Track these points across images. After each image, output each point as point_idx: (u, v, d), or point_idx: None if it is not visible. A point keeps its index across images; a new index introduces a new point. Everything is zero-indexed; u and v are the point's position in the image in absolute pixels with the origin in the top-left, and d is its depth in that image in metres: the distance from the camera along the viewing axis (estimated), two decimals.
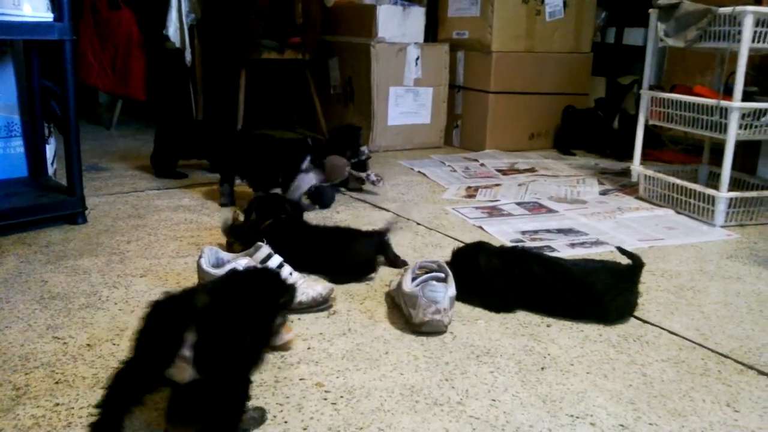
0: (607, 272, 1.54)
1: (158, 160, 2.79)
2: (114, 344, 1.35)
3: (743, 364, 1.35)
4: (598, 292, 1.49)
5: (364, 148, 2.66)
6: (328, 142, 2.66)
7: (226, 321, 0.98)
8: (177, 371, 0.95)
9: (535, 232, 2.21)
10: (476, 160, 3.34)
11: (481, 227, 2.23)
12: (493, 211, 2.45)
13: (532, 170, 3.18)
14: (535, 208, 2.52)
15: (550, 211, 2.48)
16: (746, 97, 2.31)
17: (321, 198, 2.42)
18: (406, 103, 3.57)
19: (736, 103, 2.23)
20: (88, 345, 1.35)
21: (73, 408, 1.13)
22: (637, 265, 1.54)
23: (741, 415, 1.16)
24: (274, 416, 1.12)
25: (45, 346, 1.34)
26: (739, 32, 2.20)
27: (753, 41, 2.21)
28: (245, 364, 1.02)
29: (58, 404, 1.14)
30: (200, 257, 1.56)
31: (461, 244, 1.73)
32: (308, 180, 2.31)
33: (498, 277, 1.54)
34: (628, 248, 2.00)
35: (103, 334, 1.40)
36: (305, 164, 2.29)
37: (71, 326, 1.43)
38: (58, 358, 1.29)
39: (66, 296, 1.58)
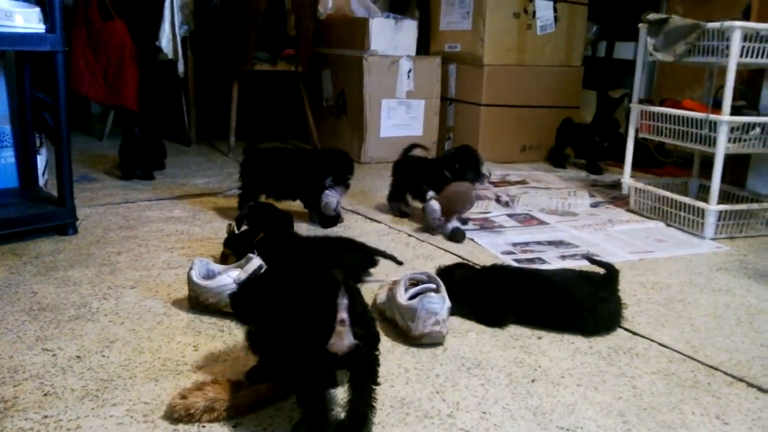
0: (584, 281, 1.55)
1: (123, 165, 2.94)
2: (103, 356, 1.35)
3: (733, 377, 1.35)
4: (578, 301, 1.50)
5: (485, 169, 2.44)
6: (441, 163, 2.45)
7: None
8: (337, 339, 1.00)
9: (526, 244, 2.21)
10: None
11: (472, 239, 2.24)
12: (485, 223, 2.46)
13: (523, 182, 3.19)
14: (527, 220, 2.53)
15: (541, 223, 2.49)
16: (735, 111, 2.34)
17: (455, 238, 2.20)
18: (398, 116, 3.58)
19: (725, 117, 2.25)
20: (78, 357, 1.34)
21: (61, 420, 1.12)
22: (611, 273, 1.55)
23: (730, 428, 1.16)
24: (264, 429, 1.11)
25: (34, 357, 1.33)
26: (728, 47, 2.23)
27: (741, 56, 2.23)
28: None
29: (46, 416, 1.13)
30: (190, 269, 1.56)
31: (456, 260, 1.75)
32: (334, 195, 2.26)
33: (473, 290, 1.55)
34: (619, 261, 2.03)
35: (93, 345, 1.39)
36: (328, 182, 2.25)
37: (61, 338, 1.42)
38: (47, 369, 1.29)
39: (56, 307, 1.57)
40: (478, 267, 1.68)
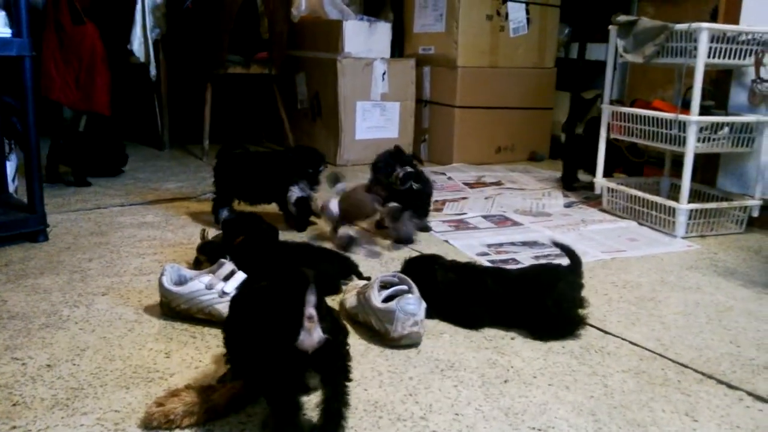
0: (548, 271, 1.58)
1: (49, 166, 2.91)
2: (74, 364, 1.33)
3: (702, 374, 1.37)
4: (542, 287, 1.52)
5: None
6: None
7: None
8: (306, 335, 1.00)
9: (500, 245, 2.23)
10: (444, 174, 3.37)
11: (447, 241, 2.24)
12: (460, 225, 2.47)
13: (498, 183, 3.21)
14: (501, 221, 2.54)
15: (515, 224, 2.51)
16: (703, 111, 2.37)
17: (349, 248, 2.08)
18: (373, 118, 3.58)
19: (694, 117, 2.29)
20: (48, 365, 1.32)
21: (30, 430, 1.11)
22: (575, 261, 1.57)
23: (699, 425, 1.18)
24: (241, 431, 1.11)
25: (3, 367, 1.31)
26: (695, 48, 2.26)
27: (708, 56, 2.27)
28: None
29: (14, 427, 1.11)
30: (162, 275, 1.54)
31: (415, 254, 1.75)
32: (297, 191, 2.27)
33: (456, 292, 1.56)
34: (591, 260, 2.06)
35: (63, 354, 1.37)
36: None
37: (30, 346, 1.40)
38: (16, 379, 1.27)
39: (25, 316, 1.55)
40: (449, 261, 1.68)
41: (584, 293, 1.55)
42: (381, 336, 1.46)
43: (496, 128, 3.75)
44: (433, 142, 3.78)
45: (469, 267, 1.66)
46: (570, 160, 3.15)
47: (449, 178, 3.28)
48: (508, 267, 1.78)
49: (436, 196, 2.90)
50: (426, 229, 2.33)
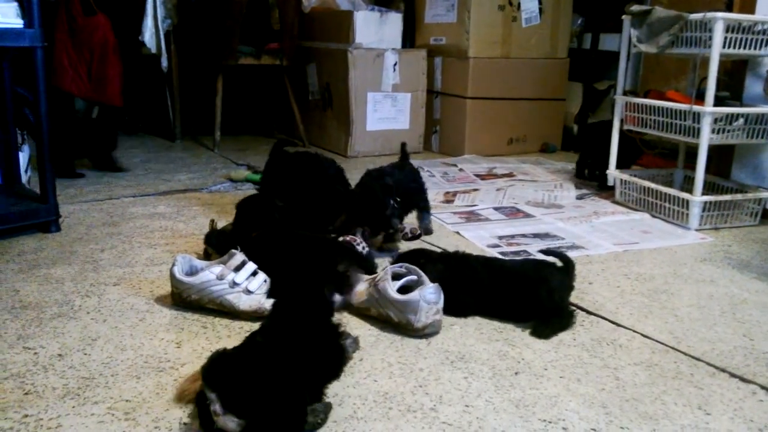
0: (543, 266, 1.58)
1: (56, 159, 2.77)
2: (85, 354, 1.34)
3: (715, 367, 1.36)
4: (535, 279, 1.52)
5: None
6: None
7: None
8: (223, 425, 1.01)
9: (512, 236, 2.21)
10: (455, 165, 3.35)
11: (458, 232, 2.24)
12: (471, 216, 2.46)
13: (510, 175, 3.20)
14: (513, 212, 2.53)
15: (527, 215, 2.49)
16: (718, 101, 2.35)
17: None
18: (384, 109, 3.57)
19: (708, 108, 2.26)
20: (60, 355, 1.33)
21: (42, 419, 1.11)
22: (568, 263, 1.57)
23: (712, 418, 1.17)
24: None
25: (15, 356, 1.32)
26: (710, 38, 2.23)
27: (724, 47, 2.24)
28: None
29: (26, 416, 1.12)
30: (173, 265, 1.55)
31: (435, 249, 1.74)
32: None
33: (443, 282, 1.55)
34: (604, 252, 2.05)
35: (75, 343, 1.38)
36: None
37: (42, 336, 1.41)
38: (28, 368, 1.28)
39: (38, 306, 1.56)
40: (437, 253, 1.69)
41: (597, 285, 1.54)
42: (401, 327, 1.46)
43: (507, 119, 3.73)
44: (445, 134, 3.76)
45: (458, 257, 1.67)
46: (586, 151, 3.16)
47: (461, 170, 3.27)
48: (503, 258, 1.79)
49: (447, 187, 2.90)
50: (429, 231, 2.13)
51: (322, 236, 1.88)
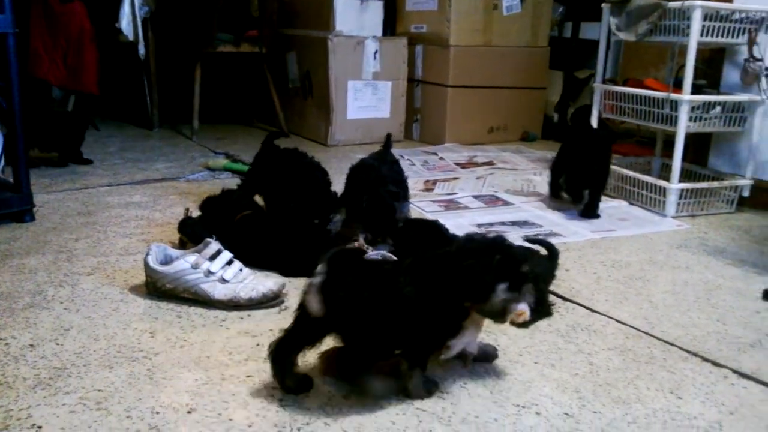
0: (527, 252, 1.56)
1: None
2: (57, 344, 1.32)
3: (688, 352, 1.37)
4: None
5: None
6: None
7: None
8: (308, 300, 1.09)
9: (491, 224, 2.22)
10: (435, 154, 3.35)
11: (437, 220, 2.23)
12: (450, 205, 2.46)
13: (490, 163, 3.20)
14: (492, 200, 2.53)
15: (506, 203, 2.50)
16: (695, 90, 2.36)
17: None
18: (365, 97, 3.55)
19: (686, 96, 2.27)
20: (31, 345, 1.31)
21: (11, 410, 1.10)
22: (553, 252, 1.56)
23: (684, 402, 1.18)
24: (219, 414, 1.10)
25: None
26: (689, 26, 2.24)
27: (701, 35, 2.25)
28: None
29: None
30: (147, 255, 1.53)
31: None
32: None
33: None
34: (581, 239, 2.05)
35: (47, 334, 1.36)
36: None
37: (14, 326, 1.39)
38: None
39: (10, 296, 1.54)
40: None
41: (574, 272, 1.55)
42: None
43: (488, 108, 3.73)
44: (425, 122, 3.75)
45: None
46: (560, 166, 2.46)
47: (441, 158, 3.26)
48: None
49: (427, 176, 2.89)
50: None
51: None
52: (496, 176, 2.93)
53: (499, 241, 1.12)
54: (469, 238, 1.15)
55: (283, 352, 1.14)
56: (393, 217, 1.85)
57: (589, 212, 2.31)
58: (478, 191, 2.66)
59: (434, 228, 1.69)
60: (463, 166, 3.13)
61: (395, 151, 3.32)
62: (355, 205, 1.88)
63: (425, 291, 1.08)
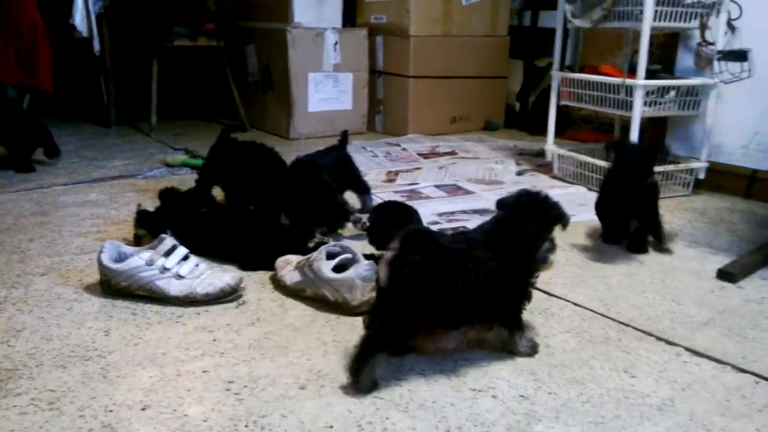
0: None
1: None
2: (9, 345, 1.29)
3: (642, 332, 1.39)
4: None
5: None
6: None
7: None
8: (379, 269, 1.15)
9: (452, 213, 2.23)
10: (398, 145, 3.35)
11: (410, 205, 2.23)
12: (412, 195, 2.46)
13: (452, 153, 3.21)
14: (453, 190, 2.54)
15: (467, 192, 2.51)
16: (650, 75, 2.39)
17: None
18: (326, 89, 3.54)
19: (640, 81, 2.30)
20: None
21: None
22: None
23: (637, 381, 1.20)
24: (174, 409, 1.09)
25: None
26: (641, 11, 2.27)
27: (655, 20, 2.28)
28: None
29: None
30: (101, 252, 1.51)
31: None
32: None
33: None
34: None
35: None
36: None
37: None
38: None
39: None
40: None
41: None
42: (338, 306, 1.45)
43: (450, 98, 3.74)
44: (388, 113, 3.75)
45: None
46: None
47: (404, 149, 3.26)
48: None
49: (389, 167, 2.89)
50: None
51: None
52: (458, 165, 2.94)
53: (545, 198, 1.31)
54: (520, 197, 1.30)
55: (369, 351, 1.14)
56: (334, 206, 1.87)
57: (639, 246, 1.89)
58: (439, 181, 2.67)
59: (406, 210, 1.68)
60: (425, 156, 3.14)
61: (358, 143, 3.35)
62: (298, 204, 1.87)
63: (507, 261, 1.19)
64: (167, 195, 1.84)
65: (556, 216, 1.31)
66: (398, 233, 1.13)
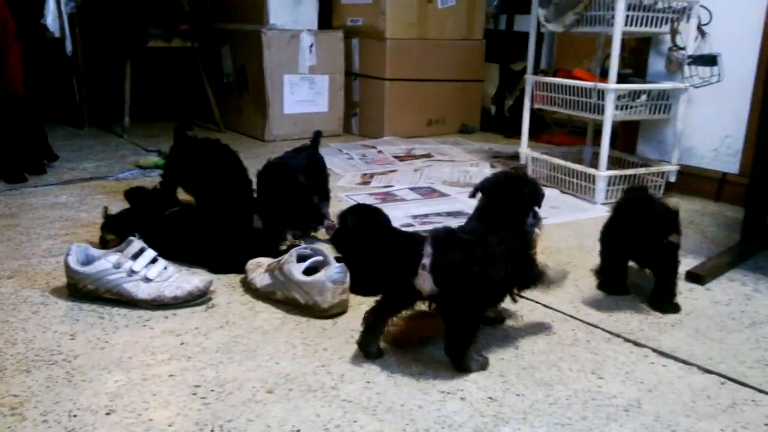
0: None
1: None
2: None
3: (611, 333, 1.40)
4: None
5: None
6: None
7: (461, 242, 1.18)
8: (419, 280, 1.16)
9: (426, 216, 2.23)
10: (374, 147, 3.35)
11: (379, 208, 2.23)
12: (387, 197, 2.46)
13: (428, 156, 3.21)
14: (428, 192, 2.54)
15: (442, 195, 2.51)
16: (621, 79, 2.42)
17: None
18: (301, 91, 3.53)
19: (612, 85, 2.32)
20: None
21: None
22: None
23: (604, 382, 1.21)
24: (139, 414, 1.07)
25: None
26: (613, 16, 2.29)
27: (626, 25, 2.30)
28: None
29: None
30: (68, 255, 1.48)
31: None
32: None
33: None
34: None
35: None
36: None
37: None
38: None
39: None
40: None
41: None
42: (309, 309, 1.44)
43: (426, 101, 3.75)
44: (364, 116, 3.75)
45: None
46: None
47: (379, 152, 3.26)
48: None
49: (364, 169, 2.89)
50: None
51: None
52: (434, 168, 2.94)
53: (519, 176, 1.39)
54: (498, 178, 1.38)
55: (378, 317, 1.25)
56: (311, 207, 1.88)
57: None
58: (414, 183, 2.67)
59: (374, 214, 1.68)
60: (401, 158, 3.14)
61: (334, 145, 3.34)
62: (272, 207, 1.86)
63: (511, 241, 1.25)
64: (134, 195, 1.82)
65: (532, 191, 1.38)
66: (426, 239, 1.16)
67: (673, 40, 2.47)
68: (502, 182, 1.38)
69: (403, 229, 2.06)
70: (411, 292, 1.20)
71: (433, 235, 1.17)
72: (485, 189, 1.39)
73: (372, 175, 2.79)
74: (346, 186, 2.60)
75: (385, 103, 3.61)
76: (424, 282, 1.16)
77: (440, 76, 3.75)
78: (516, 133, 3.24)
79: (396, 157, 3.17)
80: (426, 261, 1.15)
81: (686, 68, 2.43)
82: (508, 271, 1.22)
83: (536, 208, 1.41)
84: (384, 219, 1.67)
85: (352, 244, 1.58)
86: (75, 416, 1.07)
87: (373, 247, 1.53)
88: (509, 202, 1.34)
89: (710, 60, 2.36)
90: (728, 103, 2.45)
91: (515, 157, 3.06)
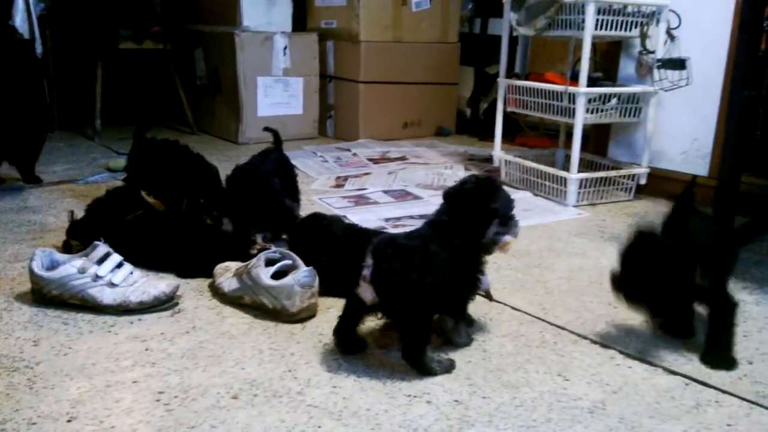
0: None
1: None
2: None
3: (578, 335, 1.41)
4: None
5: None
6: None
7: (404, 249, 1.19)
8: (361, 291, 1.18)
9: (398, 219, 2.23)
10: (348, 150, 3.34)
11: (344, 216, 2.22)
12: (360, 200, 2.46)
13: (403, 158, 3.22)
14: (401, 195, 2.54)
15: (416, 198, 2.52)
16: (592, 82, 2.44)
17: None
18: (276, 94, 3.51)
19: (582, 89, 2.34)
20: None
21: None
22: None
23: (570, 384, 1.22)
24: (101, 421, 1.06)
25: None
26: (584, 20, 2.31)
27: (596, 29, 2.33)
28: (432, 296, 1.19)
29: None
30: (32, 260, 1.46)
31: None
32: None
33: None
34: None
35: None
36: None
37: None
38: None
39: None
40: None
41: None
42: (277, 313, 1.43)
43: (402, 104, 3.75)
44: (339, 118, 3.74)
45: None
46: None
47: (354, 155, 3.26)
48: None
49: (338, 172, 2.89)
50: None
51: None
52: (408, 171, 2.95)
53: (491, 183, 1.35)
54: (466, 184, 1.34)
55: (343, 332, 1.27)
56: (283, 209, 1.87)
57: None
58: (388, 186, 2.67)
59: (328, 223, 1.67)
60: (375, 161, 3.14)
61: (309, 148, 3.33)
62: (243, 210, 1.85)
63: (456, 249, 1.23)
64: (95, 207, 1.79)
65: (494, 206, 1.32)
66: (368, 247, 1.17)
67: (643, 44, 2.50)
68: (467, 191, 1.32)
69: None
70: (359, 304, 1.21)
71: (374, 245, 1.17)
72: (448, 195, 1.36)
73: (346, 178, 2.78)
74: (320, 189, 2.59)
75: (360, 105, 3.60)
76: (366, 293, 1.18)
77: (415, 78, 3.75)
78: (490, 136, 3.25)
79: (370, 159, 3.17)
80: (366, 272, 1.16)
81: (656, 72, 2.46)
82: (452, 277, 1.22)
83: (512, 213, 1.38)
84: (338, 226, 1.66)
85: (307, 255, 1.56)
86: (35, 424, 1.05)
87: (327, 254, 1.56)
88: (466, 212, 1.29)
89: (679, 64, 2.39)
90: (697, 106, 2.48)
91: (489, 159, 3.08)
